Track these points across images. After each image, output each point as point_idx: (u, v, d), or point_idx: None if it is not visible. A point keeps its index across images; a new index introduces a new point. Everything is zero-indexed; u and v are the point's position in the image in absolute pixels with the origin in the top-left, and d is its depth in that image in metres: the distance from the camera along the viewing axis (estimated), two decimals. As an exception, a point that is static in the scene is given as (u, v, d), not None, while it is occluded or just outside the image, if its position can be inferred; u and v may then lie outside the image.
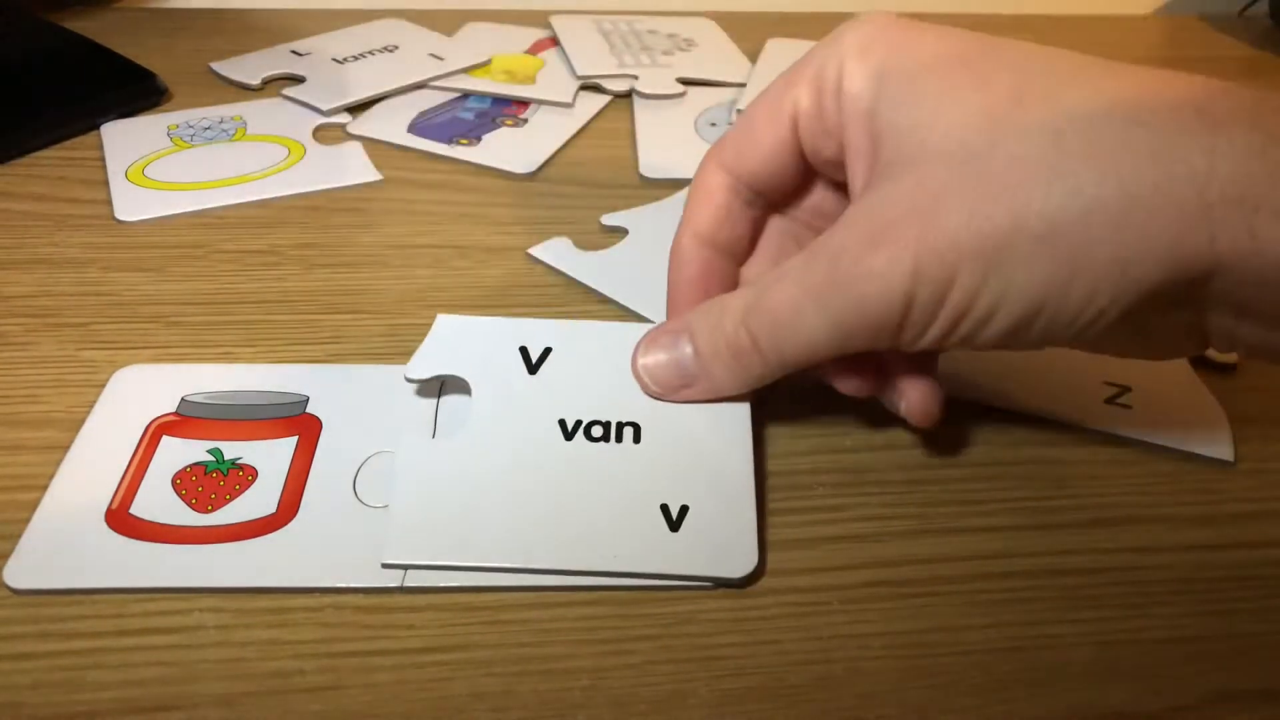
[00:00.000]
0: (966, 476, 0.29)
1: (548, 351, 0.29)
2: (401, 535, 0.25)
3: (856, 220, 0.23)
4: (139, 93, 0.46)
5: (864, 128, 0.24)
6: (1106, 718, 0.23)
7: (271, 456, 0.28)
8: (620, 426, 0.28)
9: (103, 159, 0.42)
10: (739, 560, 0.25)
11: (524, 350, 0.29)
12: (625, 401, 0.28)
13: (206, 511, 0.26)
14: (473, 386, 0.28)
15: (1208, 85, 0.21)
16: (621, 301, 0.35)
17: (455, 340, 0.30)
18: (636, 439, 0.27)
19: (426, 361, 0.29)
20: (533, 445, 0.27)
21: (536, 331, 0.30)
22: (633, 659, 0.24)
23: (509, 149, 0.44)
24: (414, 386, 0.30)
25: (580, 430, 0.27)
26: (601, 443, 0.27)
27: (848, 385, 0.28)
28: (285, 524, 0.26)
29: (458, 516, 0.25)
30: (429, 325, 0.33)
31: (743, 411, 0.28)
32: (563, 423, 0.28)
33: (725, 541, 0.25)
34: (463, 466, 0.26)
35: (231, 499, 0.26)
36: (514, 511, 0.26)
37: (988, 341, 0.23)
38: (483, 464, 0.27)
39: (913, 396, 0.27)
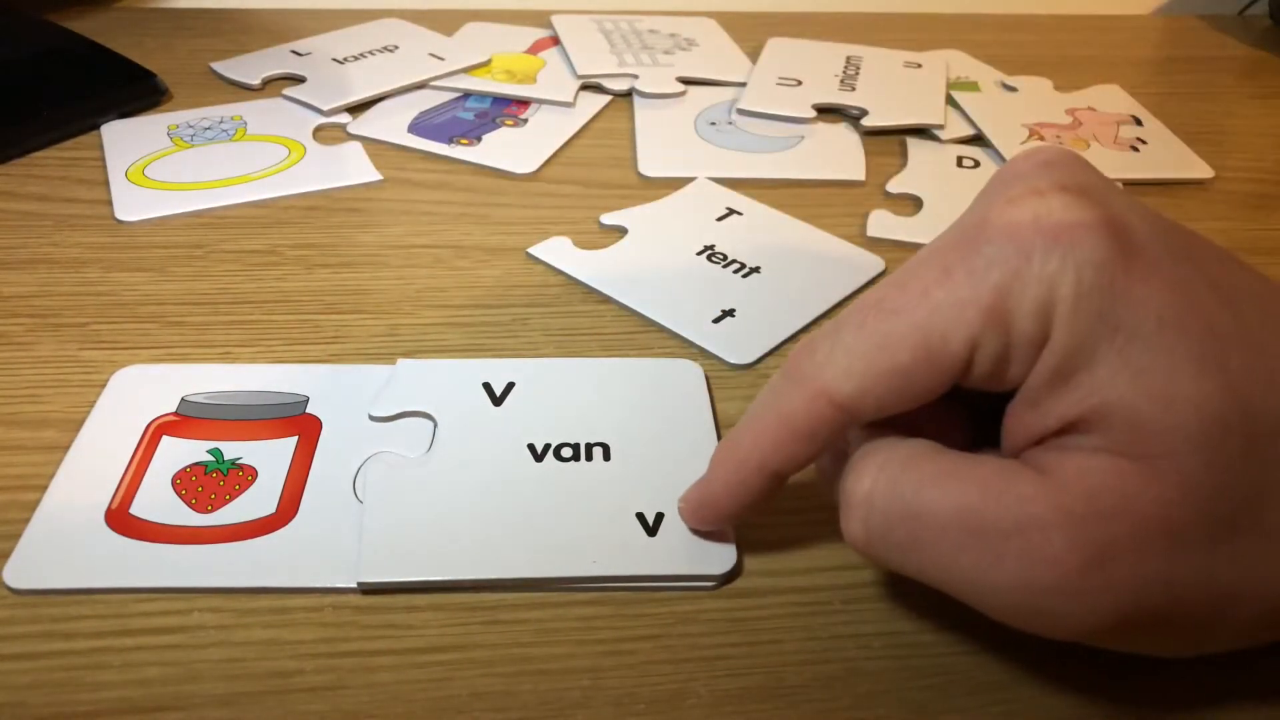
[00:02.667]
0: (966, 476, 0.29)
1: (511, 385, 0.30)
2: (376, 554, 0.25)
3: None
4: (139, 93, 0.46)
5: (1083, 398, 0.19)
6: (1106, 718, 0.23)
7: (271, 456, 0.28)
8: (589, 447, 0.28)
9: (103, 159, 0.42)
10: (718, 558, 0.25)
11: (487, 385, 0.30)
12: (592, 424, 0.29)
13: (206, 511, 0.26)
14: (438, 419, 0.29)
15: None
16: (621, 301, 0.35)
17: (418, 382, 0.30)
18: (606, 457, 0.28)
19: (390, 402, 0.29)
20: (503, 466, 0.27)
21: (498, 369, 0.31)
22: (632, 659, 0.24)
23: (509, 149, 0.44)
24: (414, 386, 0.30)
25: (550, 452, 0.28)
26: (572, 461, 0.28)
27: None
28: (285, 524, 0.26)
29: (432, 534, 0.25)
30: (429, 325, 0.34)
31: (706, 418, 0.29)
32: (531, 446, 0.28)
33: (703, 542, 0.26)
34: (434, 488, 0.27)
35: (231, 499, 0.26)
36: (489, 526, 0.26)
37: None
38: (454, 485, 0.27)
39: None
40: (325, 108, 0.46)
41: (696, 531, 0.26)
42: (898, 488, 0.21)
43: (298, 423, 0.29)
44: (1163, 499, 0.19)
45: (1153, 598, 0.19)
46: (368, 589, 0.25)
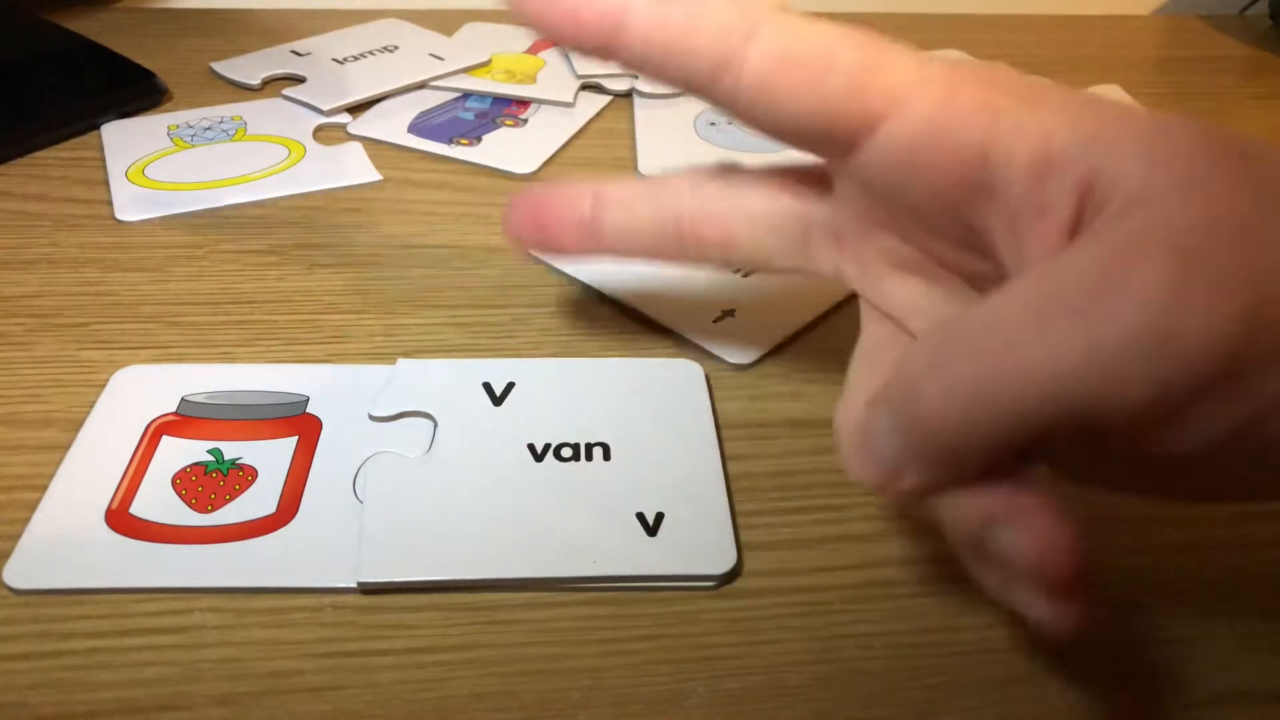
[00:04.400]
0: (966, 476, 0.29)
1: (511, 385, 0.30)
2: (376, 555, 0.25)
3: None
4: (139, 93, 0.46)
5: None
6: (1106, 718, 0.23)
7: (271, 456, 0.28)
8: (589, 446, 0.28)
9: (103, 159, 0.42)
10: (719, 558, 0.25)
11: (487, 385, 0.30)
12: (592, 424, 0.29)
13: (206, 511, 0.26)
14: (438, 419, 0.29)
15: None
16: (622, 300, 0.35)
17: (418, 382, 0.30)
18: (606, 457, 0.28)
19: (390, 402, 0.29)
20: (503, 467, 0.27)
21: (498, 369, 0.31)
22: (633, 659, 0.24)
23: (509, 149, 0.44)
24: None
25: (550, 452, 0.28)
26: (572, 462, 0.28)
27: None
28: (285, 524, 0.26)
29: (432, 533, 0.25)
30: (429, 325, 0.34)
31: (706, 418, 0.29)
32: (531, 446, 0.28)
33: (703, 542, 0.26)
34: (434, 487, 0.27)
35: (231, 499, 0.27)
36: (489, 526, 0.26)
37: None
38: (454, 484, 0.27)
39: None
40: (325, 108, 0.46)
41: (692, 529, 0.26)
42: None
43: (298, 423, 0.29)
44: (1217, 197, 0.17)
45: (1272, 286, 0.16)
46: (368, 589, 0.25)
